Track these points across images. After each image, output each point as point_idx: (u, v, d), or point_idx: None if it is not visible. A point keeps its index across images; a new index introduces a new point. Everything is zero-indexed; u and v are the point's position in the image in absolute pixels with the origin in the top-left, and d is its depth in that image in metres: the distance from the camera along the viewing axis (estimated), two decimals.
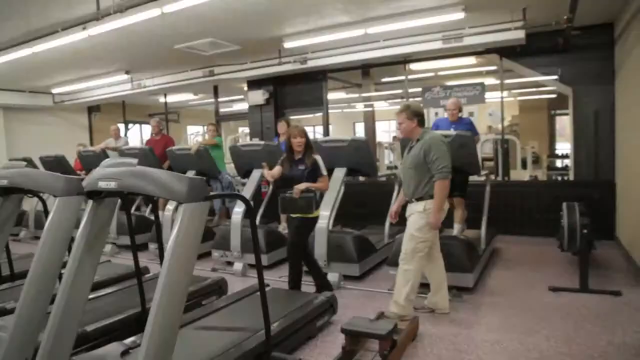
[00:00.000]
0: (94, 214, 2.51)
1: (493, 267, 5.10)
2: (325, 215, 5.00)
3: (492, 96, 7.42)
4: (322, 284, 4.24)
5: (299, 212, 4.05)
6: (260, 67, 7.71)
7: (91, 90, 9.86)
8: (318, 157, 4.18)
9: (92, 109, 11.76)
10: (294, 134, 4.10)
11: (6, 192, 3.11)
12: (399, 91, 11.36)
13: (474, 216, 5.34)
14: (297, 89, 8.47)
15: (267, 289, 3.94)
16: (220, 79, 8.31)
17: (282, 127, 6.81)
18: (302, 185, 3.96)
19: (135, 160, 2.37)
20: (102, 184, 2.35)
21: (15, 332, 2.53)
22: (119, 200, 2.82)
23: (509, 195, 6.54)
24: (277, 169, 4.22)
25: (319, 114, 8.55)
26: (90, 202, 2.54)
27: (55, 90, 9.82)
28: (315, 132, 14.55)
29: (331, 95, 8.60)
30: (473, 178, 5.21)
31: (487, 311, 3.82)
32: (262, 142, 6.28)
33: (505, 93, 7.11)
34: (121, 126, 11.80)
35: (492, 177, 5.92)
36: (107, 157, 7.75)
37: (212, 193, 2.35)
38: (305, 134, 4.13)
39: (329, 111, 8.47)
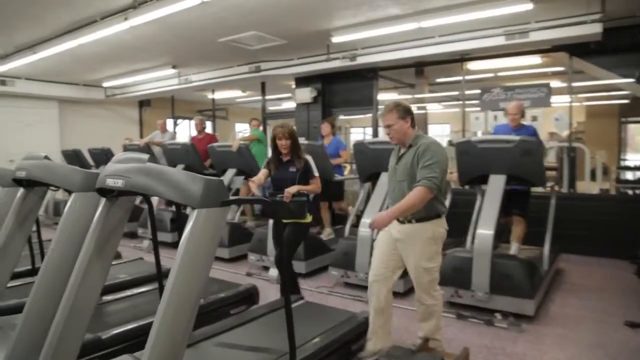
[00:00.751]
0: (106, 213, 2.23)
1: (557, 291, 4.50)
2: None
3: (555, 100, 6.75)
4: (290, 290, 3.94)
5: (290, 217, 3.71)
6: (308, 63, 7.39)
7: (141, 85, 9.91)
8: (309, 158, 3.87)
9: (143, 103, 11.89)
10: (279, 136, 3.74)
11: (29, 184, 2.95)
12: (455, 93, 10.79)
13: (533, 230, 4.79)
14: (346, 87, 8.10)
15: (299, 302, 3.64)
16: (266, 75, 8.06)
17: (325, 128, 6.45)
18: (294, 189, 3.59)
19: (146, 156, 2.07)
20: (110, 182, 2.07)
21: (22, 334, 2.36)
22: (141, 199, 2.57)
23: (574, 210, 5.87)
24: (261, 174, 3.82)
25: (369, 115, 8.14)
26: (103, 200, 2.27)
27: (106, 84, 9.93)
28: (365, 134, 14.20)
29: (382, 96, 8.18)
30: (534, 189, 4.67)
31: (550, 345, 3.29)
32: (306, 142, 5.96)
33: (570, 97, 6.44)
34: (170, 121, 11.90)
35: (557, 188, 5.32)
36: (151, 151, 7.73)
37: (234, 197, 2.02)
38: (292, 135, 3.77)
39: (380, 112, 8.03)
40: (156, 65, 8.11)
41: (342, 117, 9.31)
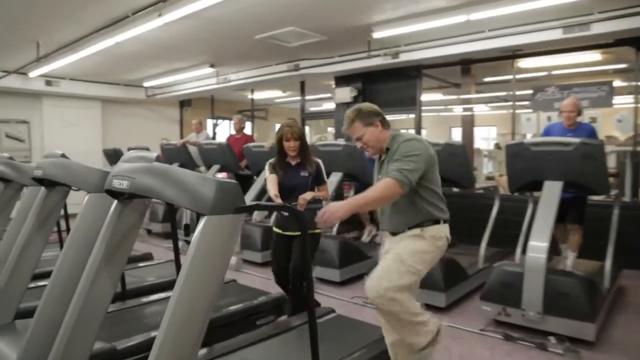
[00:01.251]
0: (118, 216, 2.03)
1: (620, 313, 4.00)
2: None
3: (617, 101, 6.17)
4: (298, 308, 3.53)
5: (312, 227, 3.27)
6: (348, 60, 7.09)
7: (181, 84, 9.90)
8: (320, 162, 3.49)
9: (184, 103, 11.93)
10: (287, 136, 3.32)
11: (50, 184, 2.82)
12: (503, 93, 10.24)
13: (590, 242, 4.34)
14: (388, 86, 7.75)
15: (330, 315, 3.36)
16: (305, 73, 7.83)
17: None
18: (309, 195, 3.19)
19: (153, 155, 1.85)
20: (116, 183, 1.87)
21: (32, 340, 2.25)
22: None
23: (637, 220, 5.32)
24: (273, 183, 3.29)
25: (411, 116, 7.77)
26: (115, 202, 2.08)
27: (146, 84, 9.98)
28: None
29: (426, 97, 7.80)
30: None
31: None
32: (343, 143, 5.70)
33: (632, 97, 5.86)
34: (210, 122, 11.90)
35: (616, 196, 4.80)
36: (187, 151, 7.67)
37: (251, 202, 1.77)
38: (302, 136, 3.37)
39: (423, 114, 7.65)
40: (194, 64, 8.04)
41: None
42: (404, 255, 2.39)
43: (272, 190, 3.22)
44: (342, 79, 7.97)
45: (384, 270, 2.37)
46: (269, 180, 3.36)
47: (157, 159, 1.82)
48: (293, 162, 3.41)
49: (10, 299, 2.85)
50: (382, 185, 2.27)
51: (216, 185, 1.62)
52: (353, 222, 6.36)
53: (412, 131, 9.08)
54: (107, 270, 2.04)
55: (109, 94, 10.11)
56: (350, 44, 6.57)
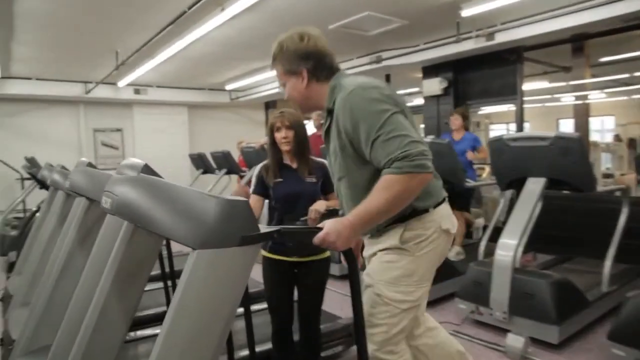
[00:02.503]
0: (129, 237, 1.60)
1: None
2: (509, 244, 3.51)
3: None
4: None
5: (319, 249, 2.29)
6: (435, 46, 6.32)
7: (262, 86, 9.70)
8: (325, 163, 2.53)
9: (269, 104, 11.80)
10: (277, 125, 2.45)
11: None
12: (625, 75, 8.77)
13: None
14: (482, 74, 6.84)
15: None
16: (389, 65, 7.15)
17: (456, 121, 5.41)
18: (322, 205, 2.37)
19: (140, 164, 1.40)
20: (104, 201, 1.44)
21: None
22: None
23: None
24: (254, 203, 2.44)
25: (512, 107, 6.79)
26: (125, 222, 1.66)
27: (228, 87, 9.93)
28: (508, 130, 12.52)
29: (528, 85, 6.78)
30: None
31: None
32: (429, 140, 4.99)
33: None
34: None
35: None
36: (266, 152, 7.36)
37: (266, 229, 1.23)
38: (297, 125, 2.46)
39: (525, 105, 6.64)
40: (269, 63, 7.70)
41: (480, 111, 8.05)
42: (382, 288, 1.77)
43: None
44: (430, 69, 7.20)
45: (366, 321, 1.67)
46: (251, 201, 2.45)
47: (145, 169, 1.35)
48: (293, 164, 2.50)
49: (52, 317, 2.61)
50: (398, 181, 1.50)
51: (213, 206, 1.12)
52: None
53: (512, 126, 8.05)
54: (116, 303, 1.63)
55: (195, 99, 10.22)
56: (437, 27, 5.81)
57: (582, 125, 7.37)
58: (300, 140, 2.46)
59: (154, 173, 1.33)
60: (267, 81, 9.27)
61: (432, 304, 4.11)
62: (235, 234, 1.13)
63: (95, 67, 7.39)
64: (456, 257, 5.02)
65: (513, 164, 3.87)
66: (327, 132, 1.80)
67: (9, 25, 5.20)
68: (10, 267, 4.70)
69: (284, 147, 2.45)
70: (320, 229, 1.42)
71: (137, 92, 9.23)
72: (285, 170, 2.48)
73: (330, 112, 1.73)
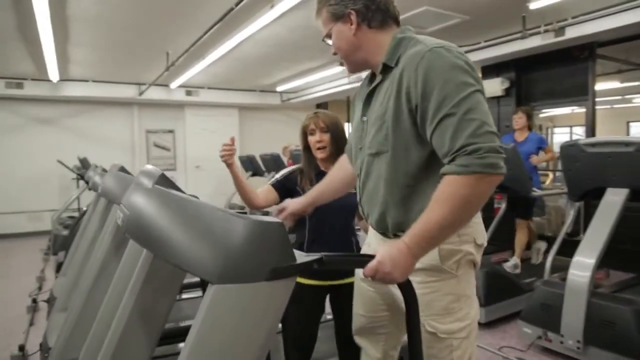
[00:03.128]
0: (150, 262, 1.40)
1: None
2: (585, 264, 3.10)
3: None
4: None
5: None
6: (497, 44, 5.88)
7: (313, 87, 9.54)
8: None
9: (320, 106, 11.61)
10: (311, 128, 2.15)
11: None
12: None
13: None
14: (548, 74, 6.32)
15: None
16: None
17: (519, 119, 4.99)
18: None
19: (157, 171, 1.18)
20: (120, 218, 1.24)
21: None
22: None
23: None
24: (265, 194, 2.15)
25: (580, 110, 6.23)
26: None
27: (279, 88, 9.81)
28: (571, 134, 11.68)
29: (600, 86, 6.20)
30: None
31: None
32: None
33: None
34: (347, 125, 11.38)
35: None
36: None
37: (304, 258, 0.99)
38: (335, 127, 2.15)
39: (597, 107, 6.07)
40: (322, 63, 7.49)
41: (542, 114, 7.48)
42: (433, 324, 1.42)
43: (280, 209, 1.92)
44: (491, 69, 6.74)
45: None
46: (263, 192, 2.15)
47: (161, 180, 1.13)
48: (328, 171, 2.13)
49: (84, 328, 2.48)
50: (466, 183, 1.17)
51: (239, 230, 0.88)
52: (501, 238, 5.13)
53: (581, 130, 7.43)
54: (141, 319, 1.43)
55: (245, 101, 10.17)
56: (500, 22, 5.38)
57: None
58: (339, 145, 2.12)
59: (170, 184, 1.11)
60: (318, 82, 9.09)
61: (491, 325, 3.76)
62: (265, 265, 0.89)
63: (148, 68, 7.44)
64: (512, 270, 4.61)
65: (590, 172, 3.44)
66: (371, 94, 1.47)
67: (64, 29, 5.26)
68: (59, 267, 4.72)
69: (320, 154, 2.14)
70: (371, 256, 1.15)
71: (188, 93, 9.27)
72: (320, 179, 2.07)
73: (385, 70, 1.40)
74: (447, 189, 1.19)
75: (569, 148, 3.52)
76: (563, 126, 11.97)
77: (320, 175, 2.12)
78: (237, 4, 3.93)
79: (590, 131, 5.97)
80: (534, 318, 3.37)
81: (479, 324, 3.16)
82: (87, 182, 4.73)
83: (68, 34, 5.49)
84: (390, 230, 1.45)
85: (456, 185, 1.18)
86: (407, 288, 1.16)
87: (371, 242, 1.65)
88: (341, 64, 7.44)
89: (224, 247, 0.88)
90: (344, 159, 1.83)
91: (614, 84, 9.00)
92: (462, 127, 1.18)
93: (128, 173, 2.13)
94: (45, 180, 8.56)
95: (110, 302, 1.88)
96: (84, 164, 6.14)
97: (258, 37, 5.44)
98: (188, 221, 0.94)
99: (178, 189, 1.10)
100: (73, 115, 8.98)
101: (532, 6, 4.55)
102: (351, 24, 1.42)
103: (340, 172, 1.83)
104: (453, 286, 1.43)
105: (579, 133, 11.91)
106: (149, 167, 1.21)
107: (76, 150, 7.59)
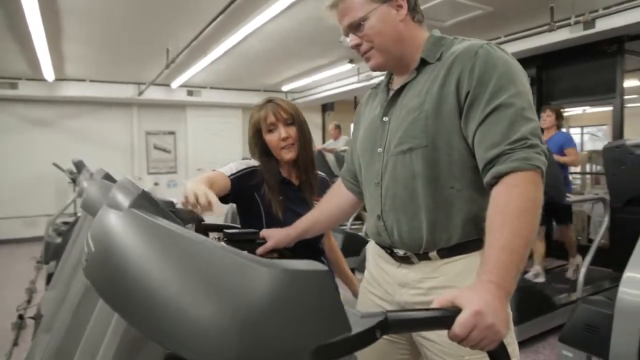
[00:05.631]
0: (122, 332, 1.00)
1: None
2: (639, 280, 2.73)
3: None
4: None
5: None
6: (519, 38, 5.50)
7: (320, 86, 9.19)
8: (325, 176, 1.86)
9: (326, 107, 11.25)
10: (269, 120, 1.66)
11: None
12: None
13: None
14: (572, 70, 5.95)
15: None
16: None
17: (548, 117, 4.65)
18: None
19: (137, 189, 0.81)
20: (83, 254, 0.86)
21: None
22: None
23: None
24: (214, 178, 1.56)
25: (607, 108, 5.85)
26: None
27: (285, 88, 9.45)
28: (582, 134, 11.31)
29: (628, 83, 5.83)
30: None
31: None
32: None
33: None
34: (353, 126, 11.03)
35: None
36: (325, 160, 6.80)
37: (361, 323, 0.62)
38: (299, 117, 1.70)
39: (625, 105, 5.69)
40: (331, 60, 7.13)
41: (566, 112, 7.11)
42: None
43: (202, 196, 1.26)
44: None
45: None
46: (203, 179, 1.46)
47: (140, 199, 0.76)
48: (293, 179, 1.75)
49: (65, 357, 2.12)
50: (527, 190, 0.98)
51: (262, 287, 0.51)
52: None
53: (607, 128, 7.07)
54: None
55: (249, 101, 9.78)
56: (524, 14, 5.01)
57: None
58: (307, 142, 1.70)
59: (154, 204, 0.73)
60: (325, 81, 8.76)
61: (524, 345, 3.38)
62: (306, 342, 0.53)
63: (147, 66, 7.10)
64: (534, 279, 4.27)
65: (638, 176, 3.07)
66: (399, 92, 1.25)
67: (56, 22, 4.93)
68: (49, 278, 4.37)
69: (287, 155, 1.65)
70: (456, 310, 0.79)
71: (190, 93, 8.93)
72: (284, 190, 1.69)
73: (422, 65, 1.22)
74: (513, 192, 0.98)
75: (614, 150, 3.16)
76: (585, 125, 11.57)
77: (285, 185, 1.70)
78: None
79: (619, 131, 5.58)
80: (576, 341, 2.99)
81: None
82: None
83: (60, 28, 5.15)
84: (423, 244, 1.19)
85: (524, 185, 0.98)
86: (502, 352, 0.79)
87: (377, 281, 1.35)
88: (351, 61, 7.14)
89: (238, 316, 0.51)
90: (339, 185, 1.57)
91: (633, 82, 8.63)
92: (520, 122, 1.03)
93: (113, 181, 1.76)
94: (41, 184, 8.22)
95: (97, 325, 1.50)
96: (79, 167, 5.78)
97: (265, 30, 5.09)
98: (179, 271, 0.57)
99: (165, 213, 0.73)
100: (70, 117, 8.63)
101: None
102: (400, 8, 1.22)
103: (337, 199, 1.57)
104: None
105: (592, 132, 11.54)
106: (126, 179, 0.84)
107: (73, 153, 7.24)
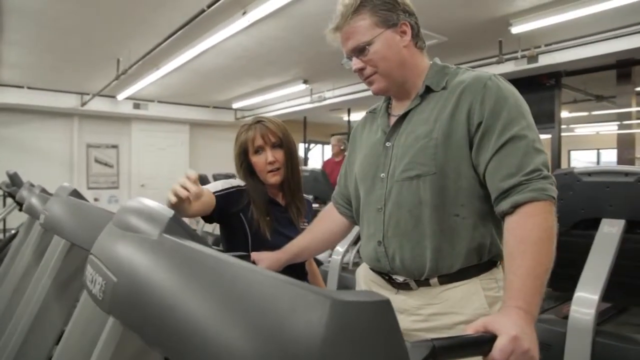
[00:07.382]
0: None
1: None
2: (589, 300, 2.87)
3: None
4: None
5: None
6: (473, 67, 5.75)
7: (271, 105, 9.17)
8: (310, 199, 1.87)
9: None
10: (257, 143, 1.63)
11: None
12: None
13: None
14: None
15: None
16: None
17: None
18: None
19: (166, 212, 0.74)
20: (90, 279, 0.77)
21: None
22: None
23: None
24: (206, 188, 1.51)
25: (546, 136, 6.24)
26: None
27: (235, 105, 9.36)
28: None
29: (565, 114, 6.27)
30: None
31: None
32: None
33: None
34: (301, 146, 11.06)
35: None
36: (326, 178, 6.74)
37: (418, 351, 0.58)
38: (288, 139, 1.68)
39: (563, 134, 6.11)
40: (286, 80, 7.16)
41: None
42: None
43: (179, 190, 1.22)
44: None
45: None
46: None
47: (172, 225, 0.69)
48: (280, 200, 1.73)
49: None
50: (544, 220, 1.02)
51: (316, 320, 0.42)
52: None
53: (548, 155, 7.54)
54: None
55: (198, 117, 9.65)
56: (476, 46, 5.29)
57: (626, 157, 6.79)
58: (295, 165, 1.67)
59: (183, 227, 0.66)
60: (275, 100, 8.75)
61: None
62: None
63: (94, 76, 6.79)
64: None
65: (585, 202, 3.26)
66: (403, 118, 1.26)
67: None
68: None
69: (272, 179, 1.62)
70: (492, 335, 0.80)
71: (136, 106, 8.63)
72: (272, 210, 1.65)
73: (427, 92, 1.24)
74: (533, 221, 1.02)
75: (564, 177, 3.34)
76: None
77: (272, 205, 1.67)
78: (209, 6, 3.49)
79: (557, 158, 5.96)
80: None
81: None
82: (18, 203, 4.06)
83: (1, 29, 4.82)
84: (426, 271, 1.18)
85: (543, 215, 1.02)
86: None
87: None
88: (305, 82, 7.18)
89: (288, 353, 0.46)
90: (330, 209, 1.55)
91: (563, 114, 9.29)
92: (533, 154, 1.08)
93: (83, 199, 1.63)
94: None
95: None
96: (14, 180, 5.37)
97: (222, 47, 5.04)
98: (223, 301, 0.52)
99: (196, 237, 0.68)
100: (4, 125, 8.06)
101: (514, 30, 4.46)
102: (404, 34, 1.24)
103: (328, 222, 1.55)
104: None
105: None
106: (147, 202, 0.76)
107: (6, 164, 6.75)
